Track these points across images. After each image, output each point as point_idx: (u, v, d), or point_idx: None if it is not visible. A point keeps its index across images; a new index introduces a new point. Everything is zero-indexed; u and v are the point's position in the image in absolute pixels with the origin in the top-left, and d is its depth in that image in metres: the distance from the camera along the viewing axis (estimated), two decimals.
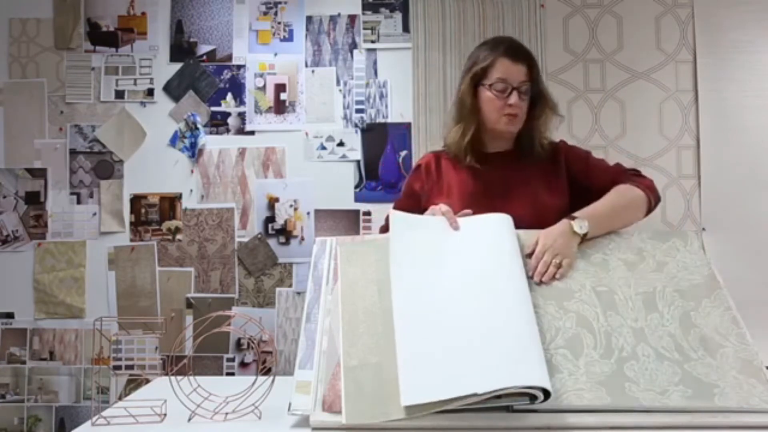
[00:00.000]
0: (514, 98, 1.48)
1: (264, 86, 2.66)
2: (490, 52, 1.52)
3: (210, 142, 2.65)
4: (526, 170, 1.54)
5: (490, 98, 1.51)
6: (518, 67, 1.49)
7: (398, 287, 1.17)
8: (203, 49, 2.67)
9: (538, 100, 1.54)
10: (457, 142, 1.55)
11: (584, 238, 1.31)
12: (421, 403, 0.96)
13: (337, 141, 2.64)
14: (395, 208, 1.64)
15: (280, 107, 2.66)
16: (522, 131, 1.55)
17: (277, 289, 2.61)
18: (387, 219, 1.61)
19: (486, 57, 1.52)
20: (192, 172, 2.65)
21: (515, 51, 1.51)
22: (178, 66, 2.67)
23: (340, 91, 2.65)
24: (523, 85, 1.49)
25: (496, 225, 1.30)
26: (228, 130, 2.66)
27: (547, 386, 0.97)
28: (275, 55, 2.67)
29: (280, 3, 2.68)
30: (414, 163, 2.55)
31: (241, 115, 2.66)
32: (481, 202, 1.39)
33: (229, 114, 2.66)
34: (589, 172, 1.54)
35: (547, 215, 1.42)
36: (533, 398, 0.98)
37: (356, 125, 2.64)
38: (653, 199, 1.47)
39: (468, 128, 1.54)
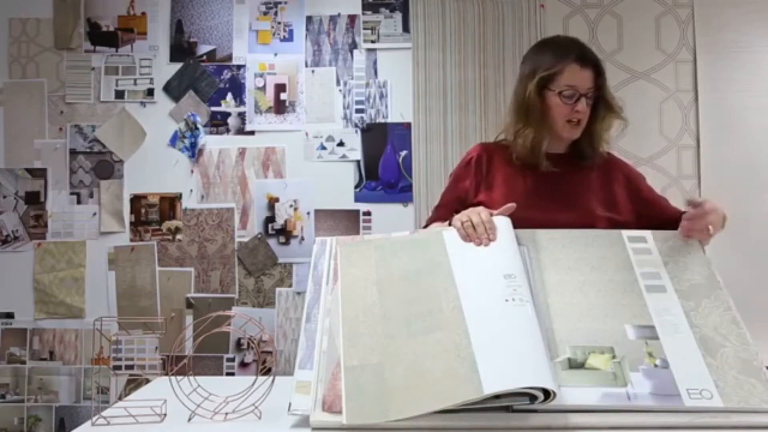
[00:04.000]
0: (581, 105, 1.47)
1: (264, 86, 2.66)
2: (558, 57, 1.50)
3: (210, 142, 2.65)
4: (581, 175, 1.54)
5: (558, 104, 1.49)
6: (586, 73, 1.48)
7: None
8: (203, 49, 2.68)
9: (601, 104, 1.52)
10: (528, 148, 1.51)
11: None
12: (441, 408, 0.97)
13: (337, 141, 2.64)
14: (441, 204, 1.63)
15: (280, 107, 2.66)
16: (581, 135, 1.54)
17: (277, 289, 2.61)
18: (431, 218, 1.61)
19: (555, 62, 1.50)
20: (192, 172, 2.65)
21: (584, 57, 1.49)
22: (178, 66, 2.67)
23: (340, 91, 2.65)
24: (589, 91, 1.48)
25: (495, 226, 1.30)
26: (228, 130, 2.66)
27: (553, 387, 0.96)
28: (275, 55, 2.67)
29: (280, 3, 2.68)
30: (419, 158, 2.58)
31: (241, 115, 2.66)
32: (529, 200, 1.37)
33: (229, 114, 2.66)
34: (656, 205, 1.59)
35: (596, 223, 1.43)
36: (533, 398, 0.98)
37: (356, 125, 2.64)
38: None
39: (541, 133, 1.50)
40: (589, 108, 1.50)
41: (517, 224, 1.30)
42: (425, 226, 1.59)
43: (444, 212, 1.56)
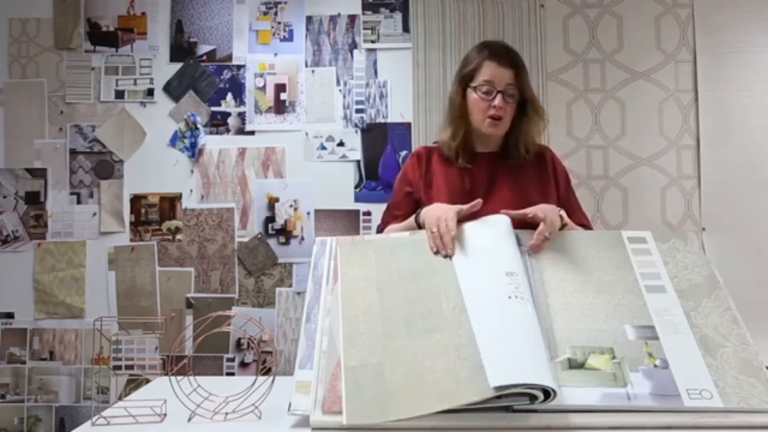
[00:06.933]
0: (498, 100, 1.52)
1: (264, 86, 2.66)
2: (477, 55, 1.57)
3: (210, 142, 2.65)
4: (513, 171, 1.59)
5: (476, 100, 1.55)
6: (504, 71, 1.53)
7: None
8: (203, 49, 2.67)
9: (525, 105, 1.57)
10: (447, 144, 1.60)
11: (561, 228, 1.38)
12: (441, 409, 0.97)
13: (337, 141, 2.64)
14: (392, 203, 1.66)
15: (280, 107, 2.66)
16: (509, 134, 1.60)
17: (277, 289, 2.61)
18: (382, 224, 1.64)
19: (474, 59, 1.57)
20: (192, 172, 2.65)
21: (501, 55, 1.55)
22: (178, 66, 2.67)
23: (340, 91, 2.65)
24: (508, 88, 1.53)
25: (496, 226, 1.31)
26: (228, 130, 2.66)
27: (554, 386, 0.96)
28: (275, 55, 2.67)
29: (280, 3, 2.67)
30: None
31: (241, 115, 2.66)
32: (467, 200, 1.40)
33: (229, 114, 2.66)
34: (565, 203, 1.59)
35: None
36: (533, 398, 0.98)
37: (356, 125, 2.64)
38: None
39: (458, 130, 1.58)
40: (510, 106, 1.55)
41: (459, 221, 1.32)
42: (381, 228, 1.61)
43: (396, 210, 1.62)
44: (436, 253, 1.27)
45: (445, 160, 1.61)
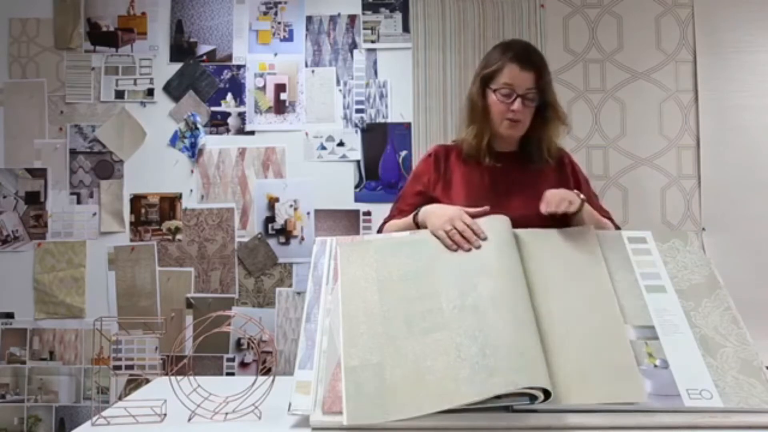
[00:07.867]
0: (517, 105, 1.49)
1: (264, 86, 2.66)
2: (500, 56, 1.54)
3: (210, 142, 2.65)
4: (532, 172, 1.57)
5: (495, 102, 1.53)
6: (526, 74, 1.50)
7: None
8: (203, 49, 2.67)
9: (546, 108, 1.55)
10: (471, 144, 1.57)
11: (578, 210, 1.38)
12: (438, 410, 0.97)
13: (337, 141, 2.64)
14: (401, 196, 1.66)
15: (280, 107, 2.66)
16: (529, 136, 1.57)
17: (277, 289, 2.61)
18: (388, 216, 1.63)
19: (496, 61, 1.54)
20: (192, 172, 2.65)
21: (524, 58, 1.51)
22: (178, 66, 2.67)
23: (340, 91, 2.65)
24: (529, 92, 1.50)
25: (494, 225, 1.31)
26: (228, 130, 2.66)
27: (548, 386, 0.97)
28: (275, 55, 2.67)
29: (280, 3, 2.68)
30: (419, 158, 2.57)
31: (241, 115, 2.66)
32: (486, 198, 1.39)
33: (229, 114, 2.66)
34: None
35: (552, 216, 1.44)
36: (533, 398, 0.98)
37: (356, 125, 2.64)
38: None
39: (483, 130, 1.55)
40: (529, 109, 1.52)
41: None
42: (386, 221, 1.61)
43: (404, 204, 1.60)
44: (455, 249, 1.26)
45: (463, 158, 1.60)
